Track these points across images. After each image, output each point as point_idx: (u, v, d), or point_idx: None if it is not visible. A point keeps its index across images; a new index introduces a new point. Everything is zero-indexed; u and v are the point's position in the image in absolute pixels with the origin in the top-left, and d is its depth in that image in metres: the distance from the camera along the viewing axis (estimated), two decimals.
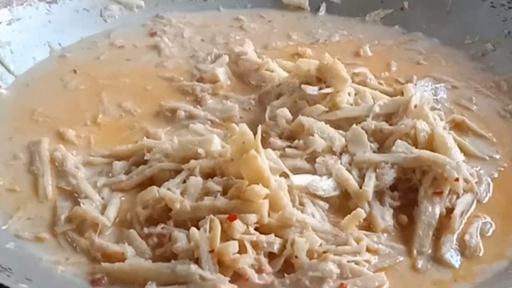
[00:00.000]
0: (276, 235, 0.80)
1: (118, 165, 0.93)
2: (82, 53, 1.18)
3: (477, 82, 1.13)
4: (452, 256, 0.83)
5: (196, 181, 0.86)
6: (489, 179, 0.94)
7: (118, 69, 1.14)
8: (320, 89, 1.01)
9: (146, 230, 0.83)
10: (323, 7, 1.33)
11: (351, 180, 0.89)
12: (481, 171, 0.95)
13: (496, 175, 0.95)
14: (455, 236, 0.85)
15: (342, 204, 0.89)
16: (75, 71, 1.13)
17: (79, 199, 0.87)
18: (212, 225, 0.78)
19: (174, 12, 1.30)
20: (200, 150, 0.89)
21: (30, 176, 0.92)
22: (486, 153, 0.99)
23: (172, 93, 1.09)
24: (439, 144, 0.91)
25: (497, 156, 0.98)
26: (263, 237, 0.80)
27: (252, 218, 0.80)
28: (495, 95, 1.11)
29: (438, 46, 1.23)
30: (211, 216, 0.79)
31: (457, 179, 0.86)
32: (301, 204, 0.86)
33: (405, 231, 0.86)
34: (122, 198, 0.88)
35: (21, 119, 1.02)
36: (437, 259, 0.82)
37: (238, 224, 0.79)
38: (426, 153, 0.90)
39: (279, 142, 0.96)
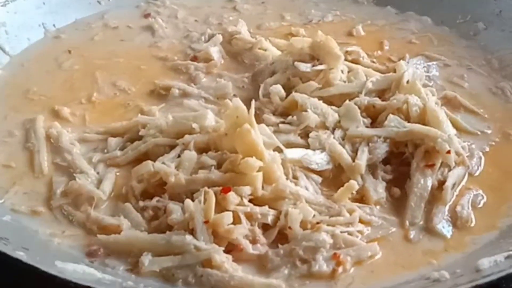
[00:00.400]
0: (270, 207, 0.81)
1: (113, 141, 0.93)
2: (76, 34, 1.19)
3: (468, 60, 1.15)
4: (444, 227, 0.84)
5: (191, 155, 0.87)
6: (481, 153, 0.95)
7: (112, 50, 1.15)
8: (313, 66, 1.03)
9: (141, 203, 0.83)
10: None
11: (344, 154, 0.90)
12: (473, 146, 0.95)
13: (487, 149, 0.96)
14: (447, 207, 0.86)
15: (335, 177, 0.89)
16: (69, 52, 1.14)
17: (74, 174, 0.87)
18: (206, 197, 0.79)
19: None
20: (194, 125, 0.90)
21: (26, 152, 0.93)
22: (477, 128, 1.00)
23: (166, 72, 1.10)
24: (431, 118, 0.92)
25: (489, 131, 0.99)
26: (257, 209, 0.80)
27: (246, 190, 0.81)
28: (487, 72, 1.12)
29: (431, 25, 1.24)
30: (206, 188, 0.81)
31: (448, 152, 0.87)
32: (295, 177, 0.87)
33: (398, 203, 0.87)
34: (117, 174, 0.89)
35: (16, 98, 1.03)
36: (429, 229, 0.83)
37: (232, 196, 0.80)
38: (418, 126, 0.91)
39: (273, 118, 0.97)
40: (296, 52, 1.05)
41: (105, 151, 0.93)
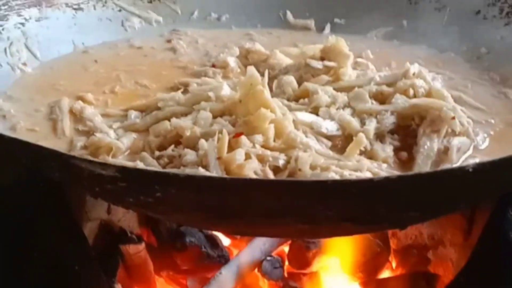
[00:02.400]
0: None
1: (133, 114, 0.98)
2: (103, 50, 1.27)
3: (472, 75, 1.21)
4: None
5: (206, 114, 0.91)
6: (486, 134, 0.99)
7: (136, 61, 1.23)
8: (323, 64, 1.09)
9: (157, 153, 0.87)
10: (328, 27, 1.43)
11: (353, 122, 0.94)
12: (477, 129, 1.00)
13: (492, 133, 1.00)
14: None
15: (344, 147, 0.93)
16: (96, 61, 1.22)
17: (94, 133, 0.92)
18: (220, 137, 0.83)
19: (190, 28, 1.41)
20: (210, 93, 0.95)
21: (50, 122, 0.98)
22: (482, 119, 1.04)
23: (186, 76, 1.16)
24: (436, 96, 0.97)
25: (493, 121, 1.03)
26: (268, 152, 0.84)
27: (258, 137, 0.85)
28: (490, 84, 1.17)
29: (436, 53, 1.31)
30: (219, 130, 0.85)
31: (453, 118, 0.91)
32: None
33: (405, 165, 0.89)
34: (135, 137, 0.94)
35: (44, 88, 1.09)
36: None
37: (244, 139, 0.83)
38: (423, 99, 0.96)
39: (286, 102, 1.02)
40: (308, 57, 1.12)
41: (125, 122, 0.98)
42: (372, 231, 0.84)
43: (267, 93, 0.88)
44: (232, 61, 1.19)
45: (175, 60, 1.24)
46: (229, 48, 1.30)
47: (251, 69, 0.91)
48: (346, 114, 0.95)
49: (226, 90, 0.96)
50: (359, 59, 1.19)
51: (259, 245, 1.23)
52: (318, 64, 1.08)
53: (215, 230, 1.00)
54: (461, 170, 0.61)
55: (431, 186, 0.62)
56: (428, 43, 1.34)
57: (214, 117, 0.92)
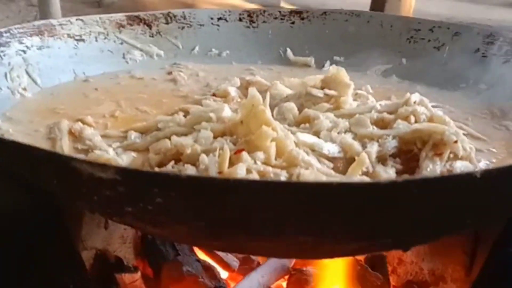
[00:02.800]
0: None
1: (133, 134, 0.98)
2: (104, 80, 1.28)
3: (471, 108, 1.21)
4: None
5: (207, 133, 0.91)
6: (488, 162, 0.98)
7: (137, 90, 1.23)
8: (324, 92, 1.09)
9: (157, 169, 0.86)
10: (327, 64, 1.44)
11: (355, 145, 0.93)
12: (479, 157, 0.99)
13: (494, 161, 0.99)
14: None
15: (345, 169, 0.91)
16: (96, 89, 1.22)
17: (94, 151, 0.91)
18: (221, 152, 0.82)
19: (191, 62, 1.41)
20: (211, 114, 0.95)
21: (49, 141, 0.97)
22: (484, 148, 1.04)
23: (186, 104, 1.16)
24: (438, 122, 0.97)
25: (494, 150, 1.03)
26: (270, 168, 0.83)
27: (260, 155, 0.84)
28: (489, 117, 1.18)
29: (436, 89, 1.32)
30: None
31: (455, 141, 0.91)
32: None
33: None
34: (134, 156, 0.93)
35: (43, 111, 1.09)
36: None
37: (245, 155, 0.82)
38: (425, 124, 0.95)
39: (287, 127, 1.02)
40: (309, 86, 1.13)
41: (125, 142, 0.97)
42: (374, 248, 0.82)
43: (268, 113, 0.88)
44: (233, 91, 1.19)
45: (175, 90, 1.24)
46: (230, 80, 1.31)
47: (253, 90, 0.91)
48: (347, 137, 0.95)
49: (227, 112, 0.96)
50: (359, 91, 1.19)
51: (257, 277, 1.21)
52: (319, 93, 1.08)
53: (215, 247, 0.97)
54: (469, 175, 0.60)
55: (438, 191, 0.61)
56: (428, 80, 1.35)
57: (215, 137, 0.91)
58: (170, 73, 1.34)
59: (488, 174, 0.61)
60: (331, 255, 0.86)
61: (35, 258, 0.97)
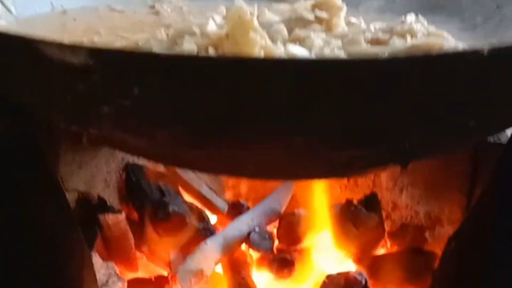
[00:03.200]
0: None
1: None
2: (83, 12, 1.21)
3: (468, 40, 1.15)
4: None
5: (191, 47, 0.85)
6: None
7: (117, 21, 1.17)
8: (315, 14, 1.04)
9: None
10: None
11: None
12: None
13: None
14: None
15: None
16: (75, 19, 1.16)
17: None
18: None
19: None
20: (195, 29, 0.89)
21: None
22: None
23: None
24: (436, 37, 0.92)
25: None
26: None
27: None
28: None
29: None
30: None
31: None
32: None
33: None
34: None
35: None
36: None
37: None
38: (423, 39, 0.90)
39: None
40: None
41: None
42: (372, 162, 0.77)
43: (256, 23, 0.82)
44: (219, 19, 1.12)
45: (158, 21, 1.19)
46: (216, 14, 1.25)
47: (239, 1, 0.85)
48: (341, 55, 0.89)
49: (212, 26, 0.90)
50: (352, 18, 1.14)
51: (246, 221, 1.17)
52: (309, 15, 1.03)
53: (199, 164, 0.91)
54: (475, 53, 0.55)
55: (438, 71, 0.55)
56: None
57: (199, 52, 0.85)
58: (152, 7, 1.28)
59: (497, 52, 0.55)
60: (324, 171, 0.80)
61: (15, 195, 0.91)
